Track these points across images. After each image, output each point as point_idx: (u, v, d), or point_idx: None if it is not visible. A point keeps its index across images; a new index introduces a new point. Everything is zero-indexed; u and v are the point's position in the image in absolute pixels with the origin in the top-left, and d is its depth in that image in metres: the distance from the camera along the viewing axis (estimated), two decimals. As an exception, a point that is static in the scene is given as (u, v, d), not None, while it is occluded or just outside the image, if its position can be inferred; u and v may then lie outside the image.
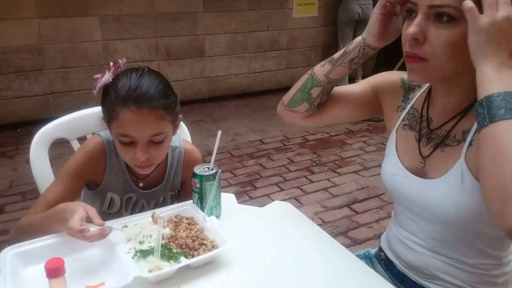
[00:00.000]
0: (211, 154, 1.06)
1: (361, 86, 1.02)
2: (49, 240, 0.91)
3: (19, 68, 3.65)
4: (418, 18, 0.73)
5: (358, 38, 0.91)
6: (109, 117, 0.99)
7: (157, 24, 4.08)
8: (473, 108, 0.76)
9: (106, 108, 1.00)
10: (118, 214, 1.14)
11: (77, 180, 1.07)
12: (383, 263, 1.04)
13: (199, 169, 1.05)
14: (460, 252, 0.85)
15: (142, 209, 1.16)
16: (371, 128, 3.90)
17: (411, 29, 0.73)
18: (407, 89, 0.95)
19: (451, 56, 0.72)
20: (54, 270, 0.69)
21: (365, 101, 1.01)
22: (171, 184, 1.19)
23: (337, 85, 1.01)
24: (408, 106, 0.93)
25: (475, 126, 0.77)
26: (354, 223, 2.42)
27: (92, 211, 0.88)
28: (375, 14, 0.86)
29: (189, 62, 4.39)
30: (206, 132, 3.46)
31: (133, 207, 1.17)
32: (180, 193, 1.22)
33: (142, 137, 0.97)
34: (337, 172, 3.05)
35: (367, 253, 1.12)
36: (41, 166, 1.27)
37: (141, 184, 1.14)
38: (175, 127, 1.06)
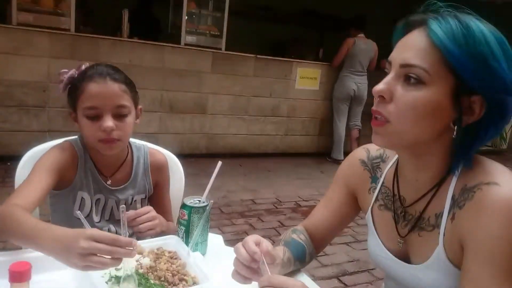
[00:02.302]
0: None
1: (336, 197, 0.98)
2: (19, 255, 0.83)
3: (21, 102, 3.67)
4: (388, 77, 0.72)
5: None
6: (75, 97, 1.04)
7: (164, 78, 4.20)
8: (443, 187, 0.76)
9: (72, 93, 1.06)
10: (88, 218, 1.11)
11: (52, 175, 1.03)
12: None
13: (189, 200, 1.00)
14: None
15: (111, 214, 1.15)
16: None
17: (378, 86, 0.72)
18: (372, 169, 0.92)
19: (414, 120, 0.70)
20: (19, 274, 0.62)
21: (348, 205, 0.97)
22: (139, 184, 1.19)
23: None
24: (379, 185, 0.90)
25: (446, 211, 0.75)
26: (342, 295, 2.28)
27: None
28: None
29: (191, 117, 4.45)
30: (199, 187, 3.39)
31: (102, 210, 1.15)
32: (152, 198, 1.23)
33: (108, 107, 1.02)
34: (327, 241, 2.94)
35: None
36: None
37: (109, 182, 1.14)
38: (136, 113, 1.11)
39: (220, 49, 4.48)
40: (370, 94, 5.03)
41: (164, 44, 4.20)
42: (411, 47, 0.70)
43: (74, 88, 1.06)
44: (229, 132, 4.72)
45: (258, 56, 4.68)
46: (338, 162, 4.95)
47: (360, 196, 0.95)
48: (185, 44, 4.28)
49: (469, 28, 0.67)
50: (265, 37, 6.11)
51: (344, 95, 4.90)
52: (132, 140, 1.22)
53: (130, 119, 1.07)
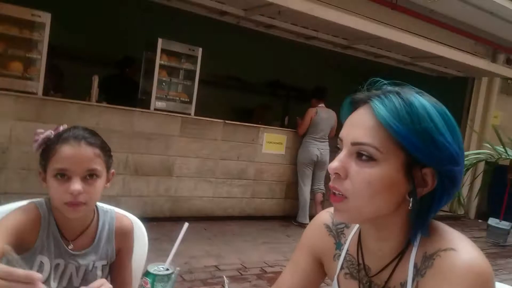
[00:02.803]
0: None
1: (302, 263, 0.95)
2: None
3: (-21, 164, 3.56)
4: (342, 154, 0.74)
5: None
6: (47, 158, 1.06)
7: (131, 140, 4.22)
8: (405, 257, 0.77)
9: (44, 153, 1.07)
10: (46, 284, 1.02)
11: (10, 239, 0.99)
12: None
13: (153, 268, 0.96)
14: None
15: (70, 280, 1.10)
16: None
17: (333, 164, 0.74)
18: (336, 235, 0.92)
19: (371, 195, 0.72)
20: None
21: (314, 271, 0.95)
22: (102, 250, 1.14)
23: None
24: (343, 253, 0.89)
25: (410, 280, 0.76)
26: None
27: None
28: None
29: (156, 179, 4.42)
30: (161, 252, 3.28)
31: (61, 276, 1.09)
32: (114, 265, 1.18)
33: (79, 170, 1.03)
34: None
35: None
36: None
37: (70, 246, 1.11)
38: (108, 177, 1.12)
39: (189, 114, 4.59)
40: (331, 160, 5.21)
41: (134, 109, 4.27)
42: (360, 125, 0.73)
43: (48, 148, 1.07)
44: (195, 194, 4.69)
45: (227, 121, 4.82)
46: (303, 225, 4.95)
47: (325, 262, 0.93)
48: (155, 109, 4.37)
49: (412, 105, 0.70)
50: (234, 104, 6.33)
51: (308, 160, 5.08)
52: (99, 204, 1.21)
53: (99, 183, 1.08)
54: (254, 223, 4.90)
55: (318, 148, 5.07)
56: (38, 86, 3.76)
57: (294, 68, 6.99)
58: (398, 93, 0.73)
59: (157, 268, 0.94)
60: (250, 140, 5.03)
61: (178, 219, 4.49)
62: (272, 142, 5.21)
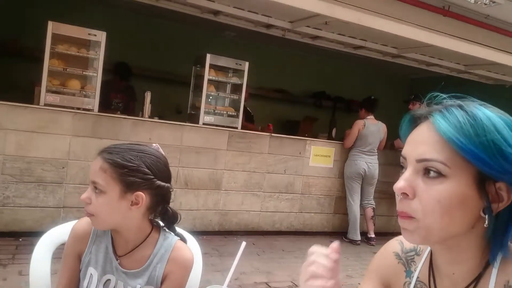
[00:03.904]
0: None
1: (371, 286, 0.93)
2: None
3: (39, 178, 3.73)
4: (407, 173, 0.70)
5: None
6: None
7: (181, 154, 4.28)
8: (484, 280, 0.71)
9: None
10: None
11: (73, 260, 1.14)
12: None
13: None
14: None
15: None
16: None
17: (399, 183, 0.70)
18: (406, 262, 0.88)
19: (441, 214, 0.67)
20: None
21: None
22: (151, 273, 1.11)
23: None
24: (414, 280, 0.85)
25: None
26: None
27: None
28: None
29: (205, 193, 4.44)
30: (211, 267, 3.29)
31: None
32: None
33: (90, 180, 1.07)
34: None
35: None
36: (40, 269, 1.21)
37: (118, 262, 1.12)
38: (127, 197, 1.06)
39: (236, 128, 4.61)
40: (380, 174, 5.06)
41: (183, 123, 4.35)
42: (424, 142, 0.69)
43: None
44: (243, 208, 4.67)
45: (273, 134, 4.79)
46: (355, 242, 4.80)
47: None
48: (203, 124, 4.43)
49: (476, 117, 0.66)
50: (280, 116, 6.31)
51: (354, 174, 4.93)
52: (168, 230, 1.18)
53: (103, 199, 1.04)
54: (302, 239, 4.80)
55: (366, 161, 4.91)
56: (94, 102, 3.92)
57: (341, 78, 6.89)
58: (460, 106, 0.69)
59: None
60: (297, 153, 4.96)
61: (226, 233, 4.49)
62: (319, 155, 5.10)
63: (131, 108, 4.89)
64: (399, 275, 0.88)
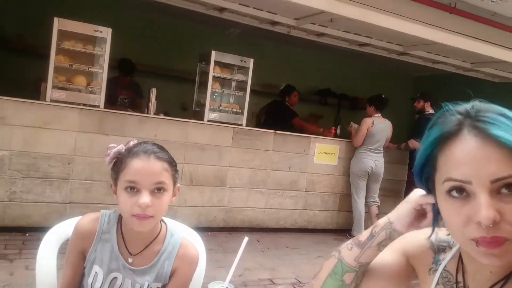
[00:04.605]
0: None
1: (392, 256, 0.93)
2: None
3: (46, 174, 3.76)
4: (485, 198, 0.63)
5: (384, 220, 0.85)
6: (118, 171, 1.09)
7: (186, 151, 4.29)
8: None
9: (115, 166, 1.11)
10: None
11: (76, 256, 1.13)
12: None
13: (214, 287, 0.96)
14: None
15: None
16: None
17: (488, 213, 0.63)
18: (437, 250, 0.88)
19: None
20: None
21: (400, 271, 0.92)
22: (159, 271, 1.13)
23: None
24: (440, 268, 0.85)
25: None
26: None
27: None
28: (408, 207, 0.81)
29: (210, 190, 4.46)
30: (215, 263, 3.30)
31: None
32: (165, 286, 1.15)
33: (147, 184, 1.05)
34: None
35: None
36: (46, 264, 1.23)
37: (130, 260, 1.12)
38: (174, 191, 1.13)
39: (241, 125, 4.61)
40: (386, 172, 5.06)
41: (188, 120, 4.36)
42: (490, 159, 0.64)
43: (119, 162, 1.10)
44: (248, 205, 4.68)
45: (277, 132, 4.79)
46: (359, 239, 4.78)
47: (419, 273, 0.89)
48: (208, 120, 4.43)
49: None
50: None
51: (361, 171, 4.92)
52: (171, 224, 1.22)
53: (166, 196, 1.09)
54: (307, 236, 4.81)
55: (373, 159, 4.90)
56: (100, 99, 3.94)
57: (346, 76, 6.87)
58: (499, 113, 0.66)
59: (218, 287, 0.94)
60: (301, 151, 4.96)
61: (231, 230, 4.50)
62: (324, 152, 5.10)
63: (137, 104, 4.91)
64: (426, 259, 0.88)
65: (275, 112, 5.42)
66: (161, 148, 1.12)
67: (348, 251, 0.88)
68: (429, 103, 5.06)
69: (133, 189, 1.04)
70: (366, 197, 5.02)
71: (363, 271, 0.89)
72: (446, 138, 0.68)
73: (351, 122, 5.17)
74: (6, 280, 2.72)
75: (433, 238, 0.89)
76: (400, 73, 7.41)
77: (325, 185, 5.12)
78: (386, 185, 5.17)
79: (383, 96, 5.00)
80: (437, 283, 0.84)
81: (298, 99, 5.50)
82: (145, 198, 1.02)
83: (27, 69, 4.60)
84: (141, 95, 5.03)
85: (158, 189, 1.05)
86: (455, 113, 0.69)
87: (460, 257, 0.82)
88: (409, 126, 5.88)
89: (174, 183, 1.12)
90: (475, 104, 0.69)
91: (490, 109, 0.67)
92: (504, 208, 0.64)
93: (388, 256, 0.92)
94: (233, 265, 0.96)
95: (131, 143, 1.13)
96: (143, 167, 1.05)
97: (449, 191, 0.67)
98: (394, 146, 5.26)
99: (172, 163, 1.11)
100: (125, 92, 4.98)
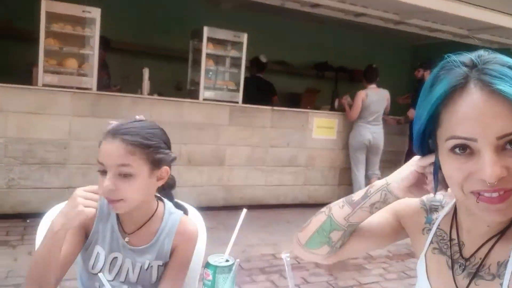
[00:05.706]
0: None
1: (382, 214, 0.91)
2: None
3: (42, 160, 3.74)
4: (490, 155, 0.61)
5: (381, 182, 0.82)
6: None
7: (183, 131, 4.25)
8: (508, 234, 0.69)
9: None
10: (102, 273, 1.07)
11: (75, 233, 1.08)
12: None
13: (214, 259, 0.95)
14: None
15: (127, 276, 1.11)
16: (391, 254, 3.69)
17: (494, 171, 0.60)
18: (429, 209, 0.87)
19: None
20: None
21: (389, 230, 0.91)
22: (159, 250, 1.13)
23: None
24: (434, 227, 0.84)
25: (511, 261, 0.68)
26: None
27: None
28: (410, 169, 0.78)
29: (208, 169, 4.45)
30: (217, 240, 3.31)
31: (118, 271, 1.11)
32: (167, 264, 1.14)
33: (110, 165, 1.01)
34: (355, 298, 2.79)
35: None
36: None
37: (126, 239, 1.11)
38: (154, 174, 1.08)
39: (237, 102, 4.56)
40: (386, 144, 5.03)
41: (183, 100, 4.30)
42: (497, 116, 0.61)
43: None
44: (247, 183, 4.68)
45: (275, 108, 4.74)
46: (360, 212, 4.81)
47: (411, 234, 0.89)
48: (204, 99, 4.37)
49: None
50: (281, 89, 6.22)
51: (360, 145, 4.90)
52: (170, 204, 1.19)
53: (137, 180, 1.03)
54: (307, 211, 4.77)
55: (371, 132, 4.87)
56: (92, 81, 3.87)
57: (343, 48, 6.75)
58: (506, 65, 0.62)
59: (218, 259, 0.93)
60: (300, 126, 4.93)
61: (232, 208, 4.51)
62: (323, 127, 5.07)
63: (105, 84, 4.58)
64: (418, 218, 0.87)
65: (256, 89, 5.06)
66: (141, 128, 1.05)
67: (339, 209, 0.86)
68: (428, 71, 4.99)
69: (103, 172, 1.01)
70: (366, 170, 5.01)
71: (352, 230, 0.88)
72: (451, 92, 0.65)
73: (346, 95, 5.11)
74: (10, 266, 2.74)
75: (424, 198, 0.88)
76: (398, 43, 7.29)
77: (324, 160, 5.11)
78: (387, 157, 5.15)
79: (373, 66, 4.92)
80: (431, 242, 0.84)
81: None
82: (106, 181, 1.00)
83: (18, 55, 4.50)
84: (109, 76, 4.79)
85: (124, 173, 1.01)
86: (460, 65, 0.65)
87: (454, 215, 0.81)
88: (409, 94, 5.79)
89: (155, 165, 1.07)
90: (481, 54, 0.66)
91: (496, 61, 0.64)
92: (510, 163, 0.62)
93: (377, 216, 0.90)
94: (233, 236, 0.96)
95: (114, 123, 1.08)
96: (107, 149, 1.02)
97: (452, 149, 0.65)
98: (394, 122, 5.21)
99: (147, 146, 1.04)
100: (103, 73, 4.78)
